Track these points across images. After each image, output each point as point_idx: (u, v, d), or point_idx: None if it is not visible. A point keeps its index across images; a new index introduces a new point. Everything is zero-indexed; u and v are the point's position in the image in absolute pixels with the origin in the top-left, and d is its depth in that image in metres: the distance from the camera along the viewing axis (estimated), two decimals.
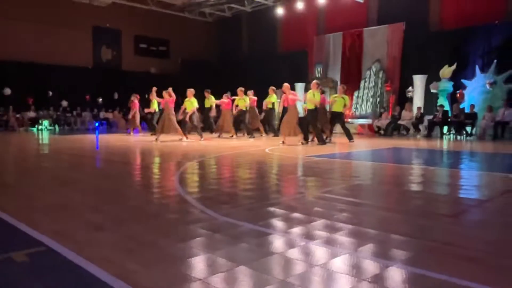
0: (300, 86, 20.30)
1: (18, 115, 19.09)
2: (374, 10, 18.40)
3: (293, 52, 21.01)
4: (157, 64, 24.29)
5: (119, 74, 22.82)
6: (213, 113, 15.12)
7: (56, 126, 20.21)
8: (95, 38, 22.33)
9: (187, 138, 12.37)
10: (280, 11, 20.29)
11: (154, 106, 15.23)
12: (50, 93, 20.43)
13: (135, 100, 15.49)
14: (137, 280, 2.09)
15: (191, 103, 12.59)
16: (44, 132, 17.92)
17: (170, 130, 12.12)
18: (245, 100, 14.07)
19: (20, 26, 19.35)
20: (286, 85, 11.43)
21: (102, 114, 22.01)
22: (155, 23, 23.20)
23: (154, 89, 13.81)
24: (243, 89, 14.12)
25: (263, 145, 10.98)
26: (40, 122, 19.57)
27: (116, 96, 22.30)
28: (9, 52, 18.99)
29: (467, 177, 5.92)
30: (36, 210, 3.58)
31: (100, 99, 21.91)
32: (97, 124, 21.10)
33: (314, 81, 11.43)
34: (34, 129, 19.13)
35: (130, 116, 15.72)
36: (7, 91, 19.03)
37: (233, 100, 14.19)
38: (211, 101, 14.60)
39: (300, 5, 19.16)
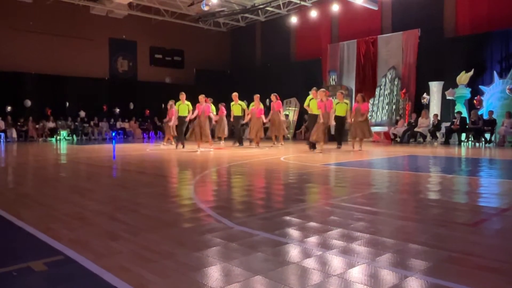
0: None
1: (37, 126, 19.48)
2: (388, 17, 18.34)
3: (307, 60, 21.05)
4: (172, 74, 24.56)
5: (135, 85, 23.15)
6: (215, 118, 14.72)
7: (74, 136, 20.53)
8: (111, 49, 22.73)
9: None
10: (293, 19, 20.36)
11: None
12: (67, 103, 20.81)
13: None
14: None
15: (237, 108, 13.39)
16: (62, 142, 18.23)
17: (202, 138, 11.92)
18: (241, 105, 13.81)
19: (38, 39, 19.84)
20: (322, 90, 11.30)
21: (119, 124, 22.29)
22: (170, 33, 23.52)
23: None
24: (237, 94, 13.90)
25: (278, 153, 10.96)
26: (58, 132, 19.91)
27: (131, 106, 22.60)
28: (29, 64, 19.46)
29: (487, 185, 5.80)
30: (54, 220, 3.62)
31: (118, 110, 22.19)
32: (114, 134, 21.38)
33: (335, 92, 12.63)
34: (53, 139, 19.47)
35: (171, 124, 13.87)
36: (27, 103, 19.47)
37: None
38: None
39: (313, 14, 19.22)
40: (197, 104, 12.03)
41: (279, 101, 13.78)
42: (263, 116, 13.49)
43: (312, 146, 11.26)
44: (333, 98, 12.28)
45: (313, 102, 11.35)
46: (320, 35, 20.76)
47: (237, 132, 14.26)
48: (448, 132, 14.75)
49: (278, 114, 13.55)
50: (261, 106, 13.75)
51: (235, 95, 13.91)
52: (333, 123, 11.29)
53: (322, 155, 10.35)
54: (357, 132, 11.72)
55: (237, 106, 13.87)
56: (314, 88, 11.80)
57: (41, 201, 4.61)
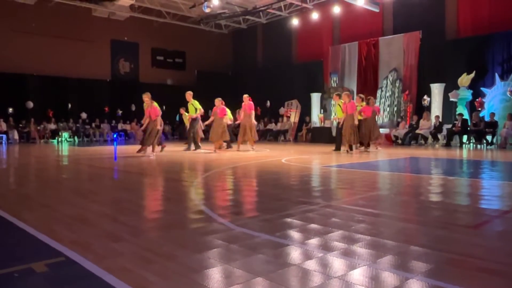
0: (315, 96, 20.30)
1: (39, 127, 19.53)
2: (389, 19, 18.36)
3: (309, 62, 21.07)
4: (174, 76, 24.62)
5: (136, 86, 23.16)
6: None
7: (76, 137, 20.56)
8: (113, 51, 22.79)
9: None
10: (295, 21, 20.40)
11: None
12: (69, 105, 20.86)
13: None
14: None
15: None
16: (63, 144, 18.25)
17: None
18: (194, 104, 12.52)
19: (40, 41, 19.91)
20: (346, 93, 11.79)
21: (120, 126, 22.31)
22: (171, 35, 23.58)
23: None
24: (191, 93, 12.72)
25: (279, 155, 10.97)
26: (60, 134, 19.94)
27: (133, 107, 22.62)
28: (30, 66, 19.53)
29: (488, 187, 5.79)
30: (56, 221, 3.63)
31: (120, 111, 22.20)
32: (115, 136, 21.41)
33: (358, 96, 13.10)
34: (54, 141, 19.50)
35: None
36: (30, 104, 19.51)
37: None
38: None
39: (315, 16, 19.24)
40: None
41: (251, 102, 12.89)
42: (227, 117, 12.58)
43: (349, 148, 11.64)
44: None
45: (337, 108, 12.10)
46: (321, 37, 20.78)
47: (190, 135, 12.90)
48: (449, 134, 14.73)
49: (249, 117, 12.63)
50: (223, 106, 12.64)
51: (189, 93, 12.58)
52: (356, 122, 11.45)
53: (322, 156, 10.36)
54: (371, 134, 12.30)
55: (190, 105, 12.55)
56: (337, 93, 12.30)
57: (42, 202, 4.62)
